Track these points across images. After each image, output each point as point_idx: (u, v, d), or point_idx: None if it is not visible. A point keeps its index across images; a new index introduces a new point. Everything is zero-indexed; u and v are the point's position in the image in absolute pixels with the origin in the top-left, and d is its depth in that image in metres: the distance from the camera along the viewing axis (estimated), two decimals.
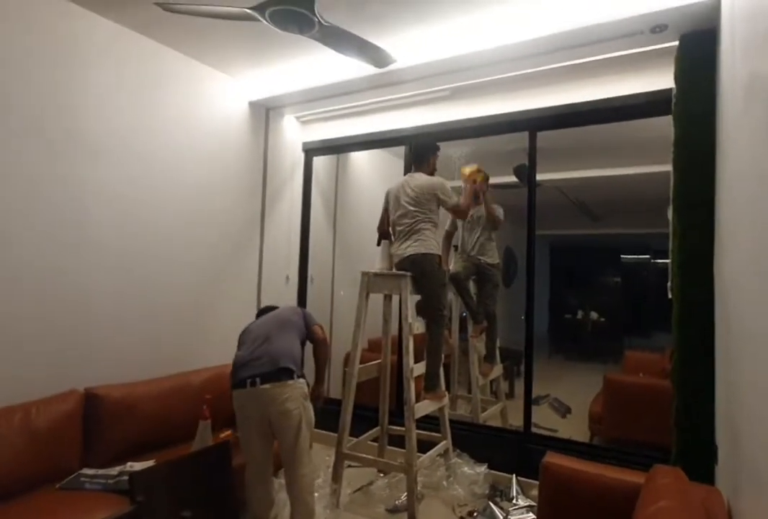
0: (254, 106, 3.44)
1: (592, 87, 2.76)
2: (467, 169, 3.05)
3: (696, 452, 2.11)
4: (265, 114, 3.54)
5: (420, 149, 2.86)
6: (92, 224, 2.47)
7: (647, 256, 7.85)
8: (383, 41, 2.50)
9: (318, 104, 3.42)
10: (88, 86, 2.45)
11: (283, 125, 3.70)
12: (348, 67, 2.88)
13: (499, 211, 3.49)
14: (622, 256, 8.09)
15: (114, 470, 2.14)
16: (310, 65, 3.00)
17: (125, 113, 2.62)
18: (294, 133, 3.80)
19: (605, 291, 7.84)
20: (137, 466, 2.14)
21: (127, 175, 2.63)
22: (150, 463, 2.18)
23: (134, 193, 2.67)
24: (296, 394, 2.09)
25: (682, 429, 2.16)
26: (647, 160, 3.91)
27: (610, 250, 7.93)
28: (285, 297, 3.65)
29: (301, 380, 2.15)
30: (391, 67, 2.72)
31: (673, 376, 2.22)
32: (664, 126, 2.40)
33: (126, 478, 1.96)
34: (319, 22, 1.94)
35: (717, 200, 2.08)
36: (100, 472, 2.12)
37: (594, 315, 6.74)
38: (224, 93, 3.21)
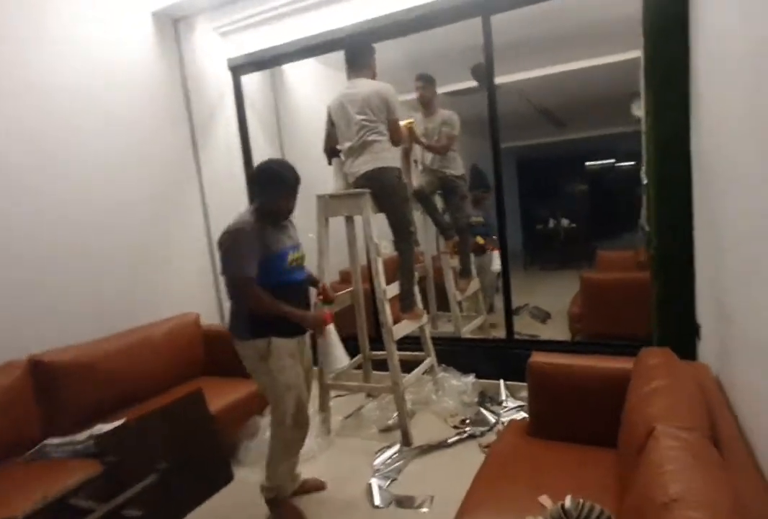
0: (158, 17, 2.87)
1: None
2: (403, 123, 2.79)
3: (678, 332, 2.08)
4: (173, 26, 2.98)
5: (354, 51, 2.50)
6: None
7: (612, 161, 7.77)
8: None
9: (236, 8, 2.88)
10: None
11: (197, 39, 3.11)
12: None
13: (453, 119, 3.20)
14: (587, 163, 7.99)
15: (82, 435, 1.99)
16: None
17: None
18: (213, 48, 3.21)
19: (574, 198, 7.81)
20: (106, 427, 2.00)
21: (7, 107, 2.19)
22: (120, 422, 2.04)
23: (22, 128, 2.22)
24: None
25: (664, 311, 2.13)
26: (612, 47, 3.60)
27: (576, 158, 7.80)
28: None
29: None
30: None
31: (652, 261, 2.15)
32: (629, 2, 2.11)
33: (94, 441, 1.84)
34: None
35: (693, 68, 1.86)
36: (67, 439, 1.98)
37: (565, 222, 6.74)
38: (118, 3, 2.65)
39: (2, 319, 2.10)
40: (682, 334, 2.08)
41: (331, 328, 1.94)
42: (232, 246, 1.72)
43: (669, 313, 2.12)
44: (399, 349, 2.42)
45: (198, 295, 3.07)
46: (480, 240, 3.82)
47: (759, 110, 1.07)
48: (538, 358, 1.77)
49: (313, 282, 2.15)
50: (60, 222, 2.34)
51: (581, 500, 1.21)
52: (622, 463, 1.32)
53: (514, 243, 5.18)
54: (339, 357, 1.97)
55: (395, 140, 2.51)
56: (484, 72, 2.73)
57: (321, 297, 2.14)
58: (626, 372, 1.57)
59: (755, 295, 1.14)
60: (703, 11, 1.65)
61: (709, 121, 1.67)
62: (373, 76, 2.50)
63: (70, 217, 2.39)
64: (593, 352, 2.55)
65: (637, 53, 2.21)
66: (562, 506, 1.22)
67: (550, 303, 4.32)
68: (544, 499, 1.34)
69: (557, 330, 3.78)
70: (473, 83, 4.05)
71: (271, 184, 1.80)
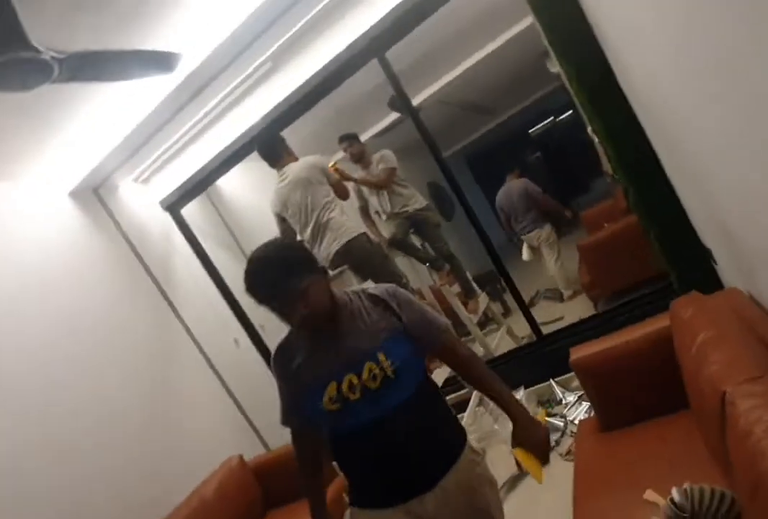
0: (77, 195, 2.76)
1: None
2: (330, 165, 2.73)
3: (693, 266, 1.99)
4: (96, 197, 2.90)
5: (264, 149, 2.56)
6: None
7: (551, 119, 7.79)
8: (146, 42, 1.91)
9: (143, 155, 2.81)
10: None
11: (123, 196, 3.06)
12: (138, 99, 2.29)
13: (386, 154, 3.17)
14: (530, 130, 7.99)
15: None
16: (97, 118, 2.32)
17: None
18: (142, 198, 3.16)
19: (535, 169, 7.79)
20: None
21: None
22: None
23: None
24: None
25: (669, 251, 2.03)
26: (505, 24, 3.59)
27: (517, 133, 7.76)
28: (248, 359, 3.20)
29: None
30: (185, 68, 2.16)
31: (636, 207, 2.06)
32: None
33: None
34: (52, 57, 1.40)
35: (597, 18, 1.80)
36: None
37: None
38: (37, 202, 2.54)
39: None
40: (698, 267, 1.97)
41: None
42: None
43: (675, 252, 2.02)
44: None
45: (231, 433, 2.89)
46: None
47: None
48: (577, 354, 1.65)
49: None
50: (53, 424, 2.13)
51: (687, 487, 1.10)
52: (704, 427, 1.23)
53: (499, 237, 5.08)
54: None
55: (343, 196, 2.53)
56: (401, 103, 2.74)
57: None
58: (665, 330, 1.49)
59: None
60: None
61: (630, 58, 1.61)
62: (295, 159, 2.53)
63: (61, 416, 2.18)
64: (623, 315, 2.50)
65: (528, 19, 2.18)
66: (672, 501, 1.10)
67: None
68: (650, 495, 1.24)
69: (577, 303, 3.67)
70: (396, 115, 4.07)
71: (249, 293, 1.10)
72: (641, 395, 1.58)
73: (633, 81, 1.71)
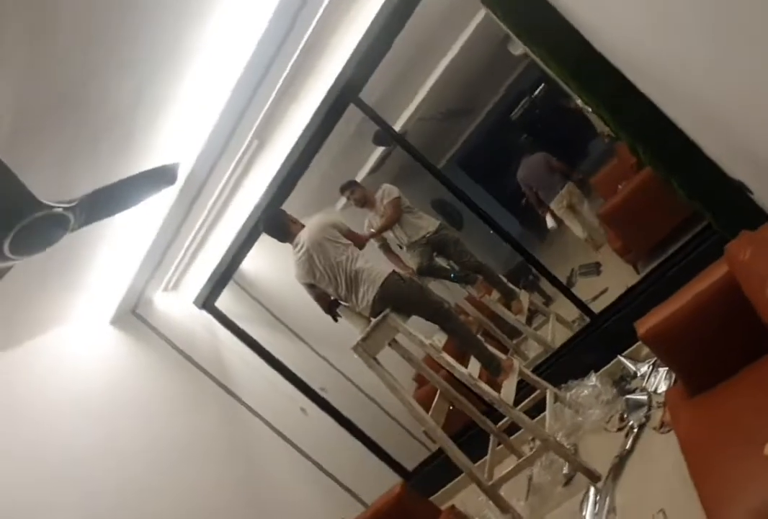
0: (118, 321, 2.79)
1: None
2: None
3: (727, 201, 1.93)
4: (136, 317, 2.94)
5: (270, 228, 2.61)
6: None
7: (527, 97, 7.75)
8: (144, 162, 1.92)
9: (166, 264, 2.82)
10: None
11: (160, 308, 3.10)
12: (146, 215, 2.22)
13: (386, 188, 3.20)
14: (511, 115, 7.94)
15: None
16: (115, 247, 2.30)
17: None
18: (178, 304, 3.20)
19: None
20: None
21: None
22: None
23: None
24: None
25: (698, 193, 1.97)
26: (461, 24, 3.57)
27: (500, 123, 7.71)
28: (320, 424, 3.18)
29: None
30: (182, 172, 2.09)
31: (647, 162, 2.02)
32: None
33: None
34: (65, 208, 1.36)
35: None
36: None
37: None
38: (84, 342, 2.58)
39: None
40: (734, 202, 1.91)
41: None
42: None
43: (705, 193, 1.96)
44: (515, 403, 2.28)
45: (324, 498, 2.92)
46: None
47: None
48: (644, 326, 1.56)
49: None
50: None
51: None
52: None
53: (514, 229, 5.04)
54: None
55: (359, 243, 2.58)
56: (386, 136, 2.80)
57: None
58: (727, 277, 1.40)
59: None
60: None
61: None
62: (302, 226, 2.56)
63: None
64: (670, 270, 2.43)
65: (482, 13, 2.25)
66: None
67: (589, 253, 4.08)
68: None
69: (617, 272, 3.49)
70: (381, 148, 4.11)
71: None
72: (722, 349, 1.49)
73: (614, 43, 1.70)
